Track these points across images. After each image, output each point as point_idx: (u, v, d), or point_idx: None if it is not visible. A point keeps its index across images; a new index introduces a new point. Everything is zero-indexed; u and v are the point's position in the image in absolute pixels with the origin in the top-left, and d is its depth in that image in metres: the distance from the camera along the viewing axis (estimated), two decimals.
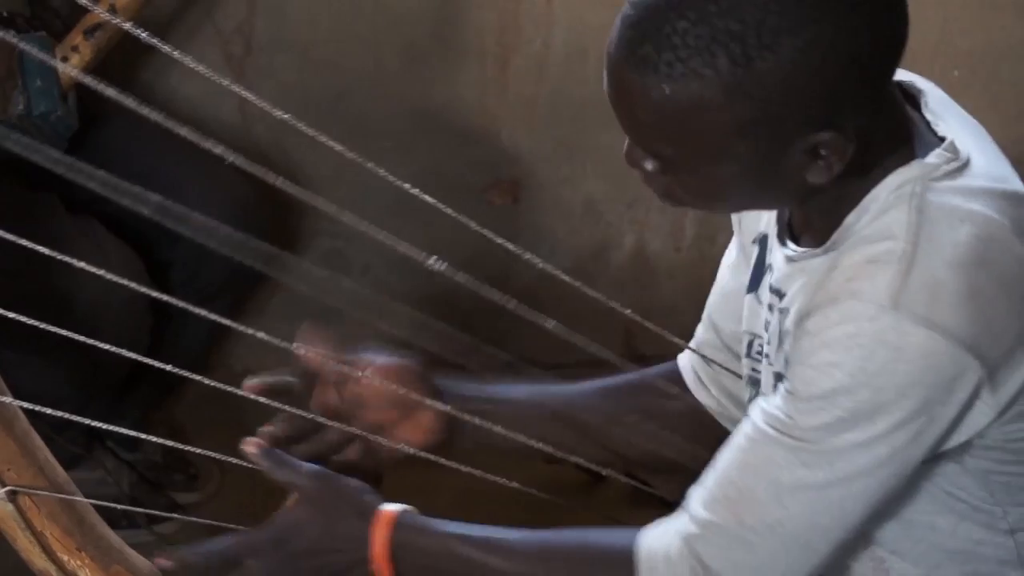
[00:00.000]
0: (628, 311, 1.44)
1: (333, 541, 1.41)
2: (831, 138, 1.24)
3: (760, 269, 1.45)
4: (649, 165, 1.31)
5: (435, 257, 1.38)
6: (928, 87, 1.38)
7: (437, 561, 1.40)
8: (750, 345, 1.47)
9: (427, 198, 1.30)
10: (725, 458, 1.31)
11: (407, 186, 1.31)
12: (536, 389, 1.61)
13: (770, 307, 1.39)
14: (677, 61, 1.21)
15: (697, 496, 1.32)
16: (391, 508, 1.42)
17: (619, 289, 2.92)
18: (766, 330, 1.41)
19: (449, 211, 1.33)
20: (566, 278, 1.39)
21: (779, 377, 1.34)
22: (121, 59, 2.56)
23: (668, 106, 1.23)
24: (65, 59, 2.36)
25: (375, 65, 2.95)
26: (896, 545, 1.38)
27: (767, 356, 1.41)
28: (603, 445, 1.59)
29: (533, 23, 2.94)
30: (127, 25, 1.21)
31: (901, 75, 1.38)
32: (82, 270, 2.29)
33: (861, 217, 1.29)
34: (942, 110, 1.36)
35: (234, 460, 1.46)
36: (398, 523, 1.40)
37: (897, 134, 1.31)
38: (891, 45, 1.26)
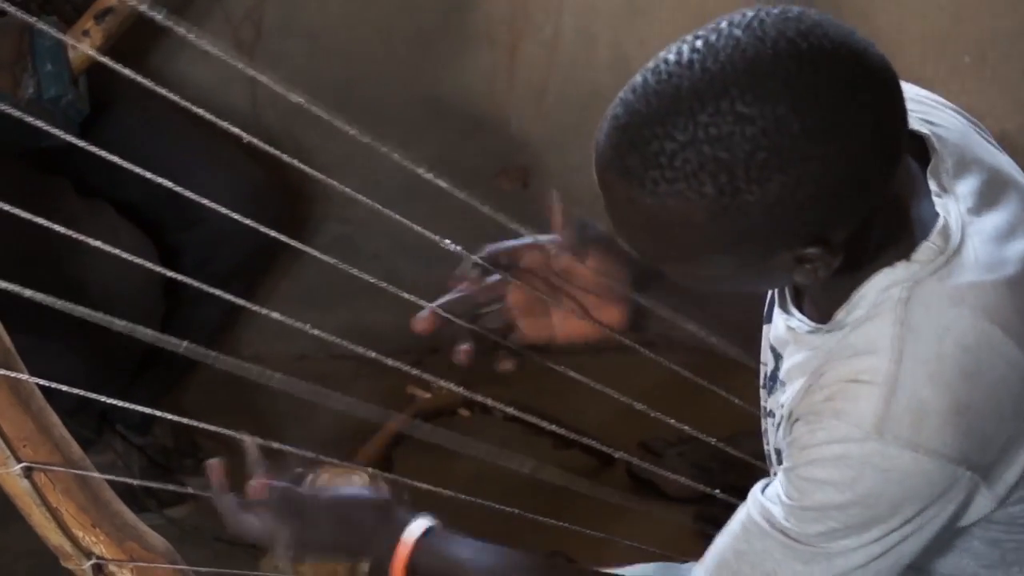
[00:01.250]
0: (636, 295, 1.45)
1: (352, 531, 1.44)
2: (817, 252, 1.21)
3: (772, 304, 1.44)
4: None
5: (448, 240, 1.39)
6: (950, 135, 1.33)
7: None
8: (765, 376, 1.45)
9: (440, 182, 1.31)
10: (723, 542, 1.33)
11: (420, 170, 1.31)
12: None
13: (775, 359, 1.39)
14: (663, 180, 1.18)
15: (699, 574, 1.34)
16: (416, 525, 1.43)
17: None
18: (770, 381, 1.41)
19: (460, 194, 1.33)
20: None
21: (779, 455, 1.35)
22: (131, 45, 2.57)
23: (650, 217, 1.20)
24: (76, 44, 2.36)
25: (385, 51, 2.95)
26: None
27: (772, 414, 1.40)
28: None
29: (543, 10, 2.93)
30: (144, 6, 1.21)
31: (934, 114, 1.35)
32: (94, 256, 2.29)
33: (851, 312, 1.27)
34: (956, 167, 1.31)
35: (248, 438, 1.46)
36: (421, 547, 1.43)
37: (895, 223, 1.27)
38: (885, 162, 1.21)
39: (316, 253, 1.36)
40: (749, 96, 1.15)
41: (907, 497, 1.23)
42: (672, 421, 1.60)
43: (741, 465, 1.66)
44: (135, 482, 1.51)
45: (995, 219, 1.29)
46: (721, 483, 1.79)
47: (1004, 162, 1.37)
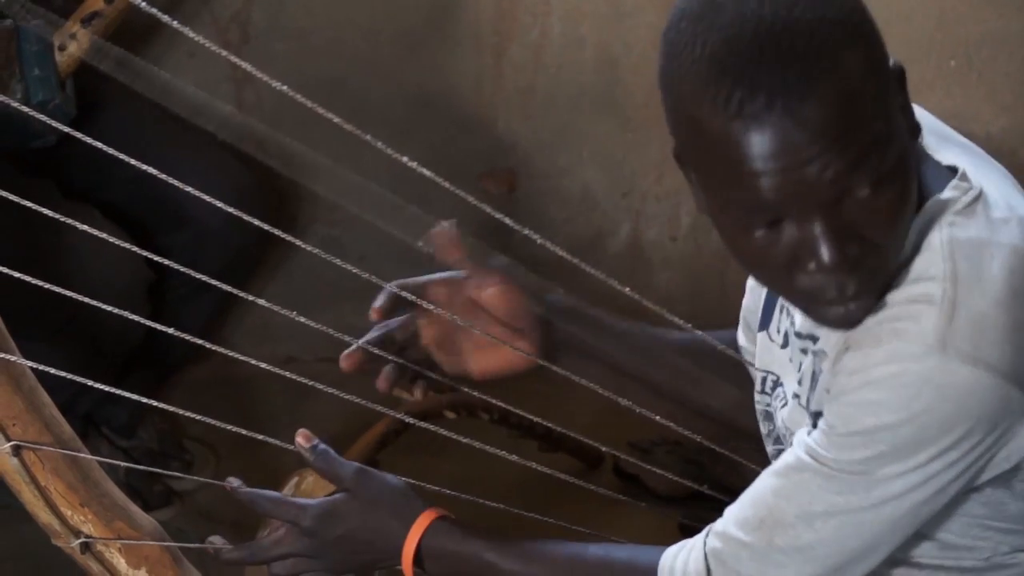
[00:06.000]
0: (627, 289, 1.45)
1: (368, 536, 1.46)
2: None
3: (769, 310, 1.46)
4: (864, 190, 1.21)
5: (422, 243, 1.40)
6: (923, 119, 1.37)
7: (462, 566, 1.44)
8: (763, 381, 1.48)
9: (425, 171, 1.31)
10: (761, 481, 1.33)
11: (411, 163, 1.31)
12: (638, 326, 1.61)
13: (803, 351, 1.39)
14: (859, 21, 1.22)
15: (731, 515, 1.34)
16: (426, 514, 1.46)
17: (614, 279, 2.92)
18: (798, 372, 1.41)
19: (446, 184, 1.33)
20: (564, 254, 1.40)
21: (817, 416, 1.34)
22: (118, 47, 2.56)
23: (882, 64, 1.23)
24: (63, 47, 2.36)
25: (372, 53, 2.95)
26: (931, 562, 1.39)
27: (797, 396, 1.41)
28: (683, 393, 1.60)
29: (530, 11, 2.94)
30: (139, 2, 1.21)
31: None
32: (78, 259, 2.28)
33: None
34: (938, 142, 1.36)
35: (244, 432, 1.47)
36: (429, 529, 1.45)
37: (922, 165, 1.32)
38: None
39: (301, 244, 1.37)
40: None
41: (961, 416, 1.23)
42: (657, 418, 1.60)
43: (730, 459, 1.66)
44: (123, 464, 1.50)
45: (988, 177, 1.33)
46: (710, 477, 1.80)
47: (971, 143, 1.42)
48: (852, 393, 1.26)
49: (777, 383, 1.45)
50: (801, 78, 1.16)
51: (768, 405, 1.47)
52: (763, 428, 1.50)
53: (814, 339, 1.37)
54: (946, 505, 1.30)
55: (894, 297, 1.26)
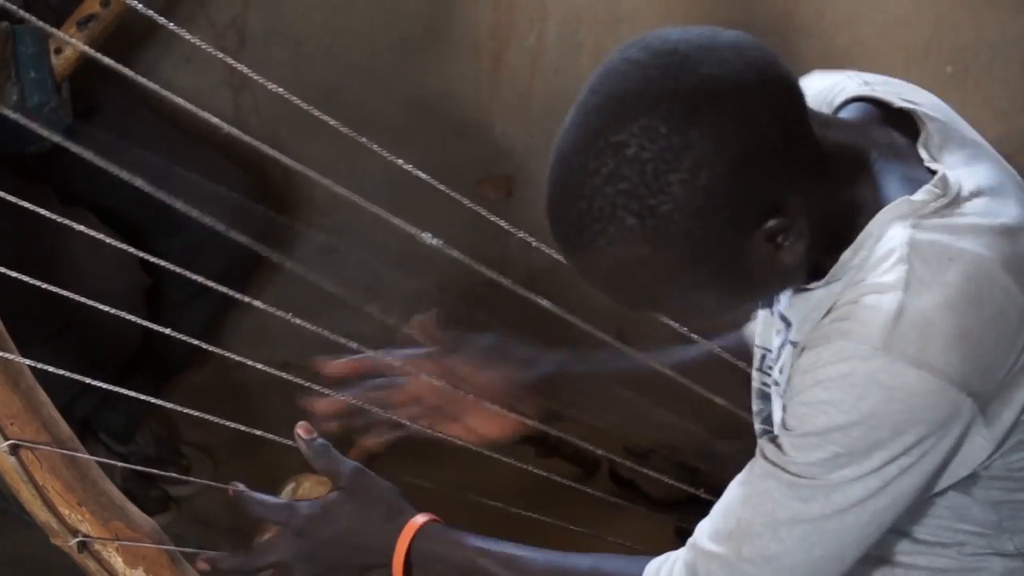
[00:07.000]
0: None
1: (359, 539, 1.47)
2: (780, 222, 1.25)
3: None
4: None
5: (428, 234, 1.40)
6: (933, 112, 1.38)
7: (451, 572, 1.45)
8: (762, 359, 1.49)
9: (423, 176, 1.31)
10: (730, 491, 1.34)
11: (408, 167, 1.31)
12: (636, 362, 1.64)
13: (777, 332, 1.42)
14: (596, 235, 1.25)
15: (704, 526, 1.36)
16: (418, 518, 1.46)
17: None
18: (777, 354, 1.44)
19: (444, 189, 1.34)
20: (561, 259, 1.40)
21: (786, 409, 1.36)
22: (114, 51, 2.56)
23: (610, 271, 1.28)
24: (59, 51, 2.36)
25: (369, 59, 2.95)
26: (905, 559, 1.41)
27: (776, 384, 1.43)
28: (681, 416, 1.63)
29: (527, 17, 2.94)
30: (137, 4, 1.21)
31: (913, 94, 1.40)
32: (75, 264, 2.28)
33: (857, 253, 1.30)
34: (943, 140, 1.36)
35: (243, 428, 1.47)
36: (421, 533, 1.45)
37: (883, 182, 1.32)
38: (783, 117, 1.26)
39: (295, 257, 1.37)
40: (613, 124, 1.25)
41: (909, 419, 1.25)
42: (658, 412, 1.61)
43: (729, 465, 1.66)
44: (120, 464, 1.51)
45: (983, 182, 1.34)
46: (706, 482, 1.79)
47: (980, 138, 1.43)
48: (804, 392, 1.28)
49: (772, 362, 1.46)
50: (569, 245, 1.28)
51: (763, 383, 1.48)
52: (754, 406, 1.51)
53: (787, 323, 1.40)
54: (911, 508, 1.31)
55: (847, 295, 1.28)
